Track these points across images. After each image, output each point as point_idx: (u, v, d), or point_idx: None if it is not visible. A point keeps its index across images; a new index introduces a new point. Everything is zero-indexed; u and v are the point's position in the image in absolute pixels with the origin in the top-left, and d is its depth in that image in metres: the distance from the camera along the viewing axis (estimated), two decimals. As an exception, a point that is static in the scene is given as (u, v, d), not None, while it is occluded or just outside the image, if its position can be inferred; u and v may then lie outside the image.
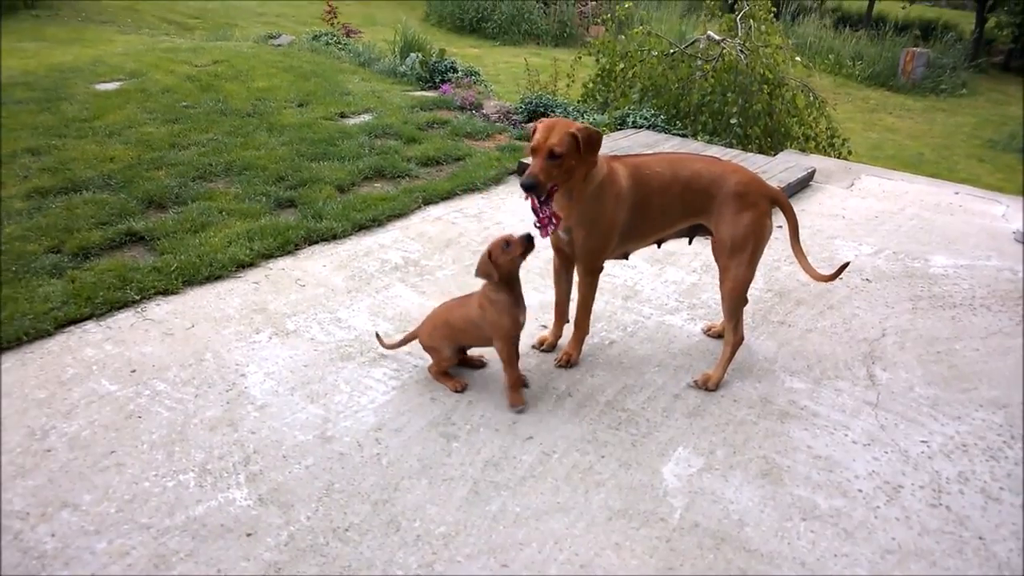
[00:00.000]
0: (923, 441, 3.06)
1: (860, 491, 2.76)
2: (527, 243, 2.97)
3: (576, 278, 3.37)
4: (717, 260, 3.33)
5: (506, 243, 2.97)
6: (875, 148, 10.97)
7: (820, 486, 2.78)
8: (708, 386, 3.31)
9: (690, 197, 3.25)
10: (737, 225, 3.22)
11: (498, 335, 3.05)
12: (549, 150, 2.93)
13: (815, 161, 6.73)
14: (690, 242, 3.59)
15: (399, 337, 3.38)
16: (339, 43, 10.19)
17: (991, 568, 2.46)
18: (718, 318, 3.85)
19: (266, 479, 2.65)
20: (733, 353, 3.36)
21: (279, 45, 10.02)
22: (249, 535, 2.42)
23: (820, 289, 4.27)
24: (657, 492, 2.71)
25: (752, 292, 3.73)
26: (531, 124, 3.11)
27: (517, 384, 3.11)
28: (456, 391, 3.17)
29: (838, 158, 7.59)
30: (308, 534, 2.44)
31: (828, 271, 4.38)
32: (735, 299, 3.32)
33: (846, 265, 3.45)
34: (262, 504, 2.54)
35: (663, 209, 3.26)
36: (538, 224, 3.03)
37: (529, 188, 2.95)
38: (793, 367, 3.52)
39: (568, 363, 3.40)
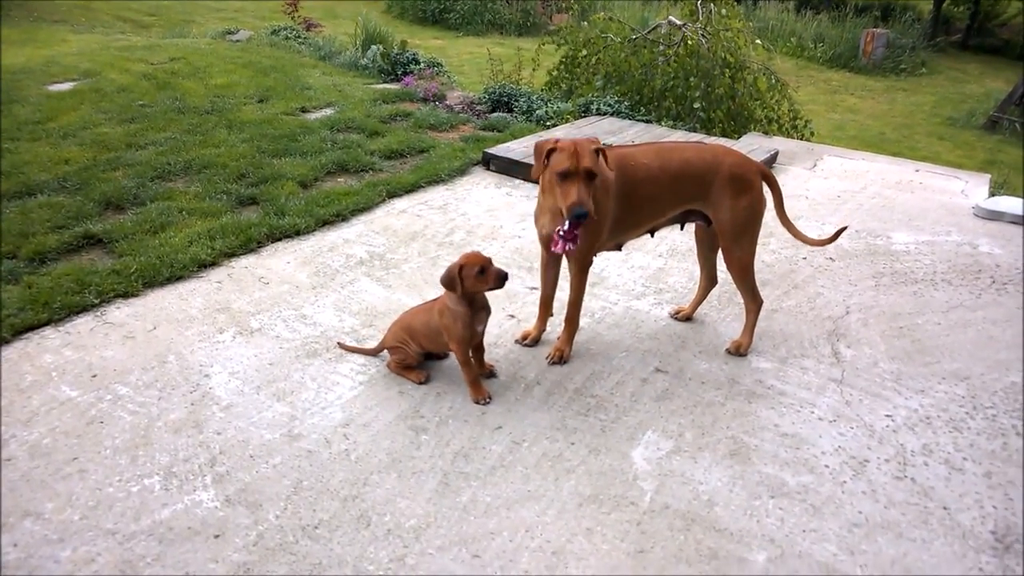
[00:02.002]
0: (887, 415, 3.10)
1: (827, 467, 2.80)
2: (500, 281, 2.94)
3: (562, 274, 3.39)
4: (720, 243, 3.39)
5: (481, 270, 2.91)
6: (838, 129, 11.09)
7: (788, 463, 2.81)
8: (740, 351, 3.48)
9: (681, 186, 3.24)
10: (737, 209, 3.27)
11: (453, 339, 3.05)
12: (587, 172, 2.86)
13: (778, 143, 6.78)
14: (682, 227, 3.58)
15: (368, 345, 3.39)
16: (299, 37, 10.08)
17: (956, 537, 2.51)
18: (684, 301, 3.87)
19: (233, 479, 2.62)
20: (756, 317, 3.52)
21: (237, 40, 9.88)
22: (217, 536, 2.39)
23: (785, 269, 4.31)
24: (627, 476, 2.71)
25: (718, 275, 3.75)
26: (539, 143, 3.03)
27: (476, 380, 3.10)
28: (420, 383, 3.16)
29: (801, 140, 7.66)
30: (277, 533, 2.41)
31: (793, 251, 4.43)
32: (746, 276, 3.44)
33: (843, 229, 3.58)
34: (229, 505, 2.51)
35: (653, 199, 3.24)
36: (562, 237, 2.95)
37: (582, 217, 2.87)
38: (759, 347, 3.55)
39: (561, 359, 3.36)
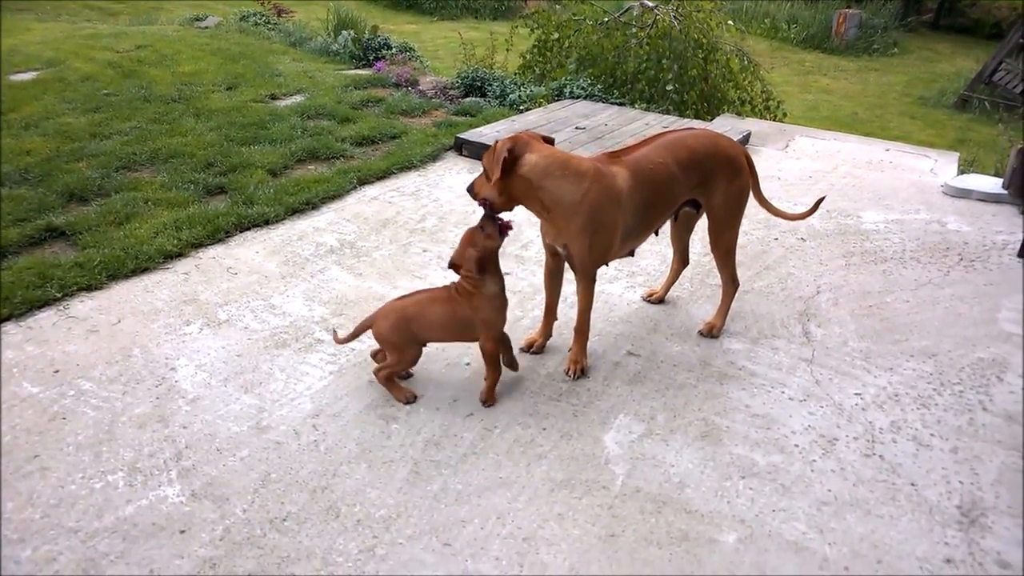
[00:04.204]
0: (857, 393, 3.12)
1: (797, 446, 2.81)
2: (492, 222, 2.82)
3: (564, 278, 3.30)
4: (709, 226, 3.36)
5: (481, 228, 2.81)
6: (811, 109, 11.12)
7: (758, 444, 2.81)
8: (713, 333, 3.48)
9: (688, 177, 3.16)
10: (731, 192, 3.26)
11: (490, 334, 2.87)
12: (483, 165, 2.88)
13: (751, 124, 6.79)
14: (675, 219, 3.50)
15: (348, 331, 3.07)
16: (269, 23, 9.92)
17: (923, 512, 2.53)
18: (657, 284, 3.86)
19: (199, 474, 2.58)
20: (731, 300, 3.54)
21: (206, 27, 9.71)
22: (182, 532, 2.36)
23: (756, 250, 4.32)
24: (599, 460, 2.71)
25: (691, 256, 3.75)
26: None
27: (495, 382, 2.95)
28: (407, 402, 2.95)
29: (773, 120, 7.67)
30: (244, 527, 2.38)
31: (765, 231, 4.44)
32: (730, 258, 3.45)
33: (821, 200, 3.62)
34: (195, 499, 2.47)
35: (669, 198, 3.16)
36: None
37: (468, 191, 2.97)
38: (731, 328, 3.55)
39: (583, 372, 3.17)
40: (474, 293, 2.85)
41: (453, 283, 2.93)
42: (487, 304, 2.85)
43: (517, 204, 2.93)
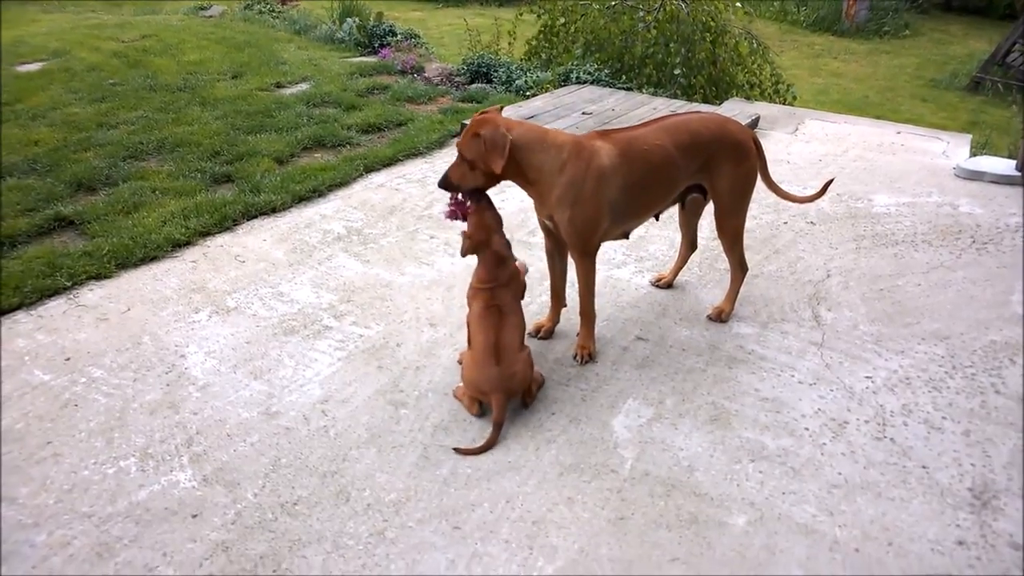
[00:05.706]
0: (867, 377, 3.10)
1: (807, 429, 2.80)
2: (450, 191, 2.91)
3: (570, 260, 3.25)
4: (716, 211, 3.33)
5: (487, 208, 2.87)
6: (821, 93, 11.01)
7: (768, 427, 2.80)
8: (722, 318, 3.46)
9: (691, 160, 3.11)
10: (738, 176, 3.22)
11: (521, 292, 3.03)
12: (459, 151, 2.86)
13: (760, 108, 6.74)
14: (682, 207, 3.47)
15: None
16: (273, 11, 9.91)
17: (934, 495, 2.52)
18: (665, 269, 3.84)
19: (210, 459, 2.59)
20: (740, 285, 3.52)
21: (210, 16, 9.71)
22: (195, 516, 2.37)
23: (766, 234, 4.29)
24: (608, 444, 2.71)
25: (699, 240, 3.73)
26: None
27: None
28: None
29: (783, 104, 7.60)
30: (255, 511, 2.39)
31: (774, 215, 4.41)
32: (737, 243, 3.42)
33: (831, 182, 3.59)
34: (207, 484, 2.49)
35: (667, 180, 3.12)
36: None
37: (442, 187, 2.92)
38: (740, 313, 3.54)
39: (590, 357, 3.16)
40: (515, 274, 2.89)
41: (490, 288, 2.82)
42: (519, 275, 2.93)
43: (497, 184, 2.92)
